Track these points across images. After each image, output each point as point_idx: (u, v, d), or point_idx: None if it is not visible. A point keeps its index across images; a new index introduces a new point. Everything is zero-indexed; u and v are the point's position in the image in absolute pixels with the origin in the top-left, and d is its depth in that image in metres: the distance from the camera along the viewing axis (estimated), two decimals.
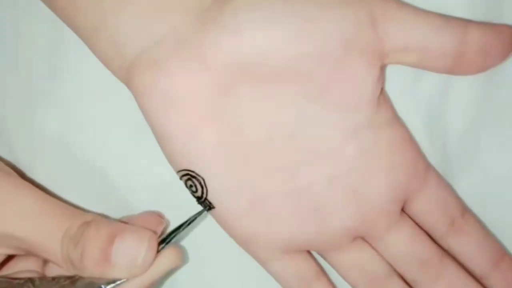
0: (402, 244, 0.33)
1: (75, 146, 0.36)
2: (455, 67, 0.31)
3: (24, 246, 0.31)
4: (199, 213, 0.32)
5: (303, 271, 0.34)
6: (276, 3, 0.30)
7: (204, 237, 0.36)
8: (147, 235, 0.31)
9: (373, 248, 0.33)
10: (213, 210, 0.32)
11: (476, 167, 0.34)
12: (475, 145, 0.34)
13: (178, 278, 0.36)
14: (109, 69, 0.32)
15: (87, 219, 0.31)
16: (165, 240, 0.31)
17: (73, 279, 0.31)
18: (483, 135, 0.34)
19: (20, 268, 0.34)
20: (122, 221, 0.33)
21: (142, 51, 0.31)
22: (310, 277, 0.34)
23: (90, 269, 0.30)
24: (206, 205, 0.32)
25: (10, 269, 0.34)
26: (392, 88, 0.33)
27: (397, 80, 0.33)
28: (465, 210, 0.33)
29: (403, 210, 0.33)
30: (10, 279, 0.32)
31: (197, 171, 0.31)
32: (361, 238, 0.33)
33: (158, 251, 0.31)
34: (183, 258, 0.32)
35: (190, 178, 0.32)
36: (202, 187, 0.32)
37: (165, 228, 0.34)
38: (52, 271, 0.34)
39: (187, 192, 0.32)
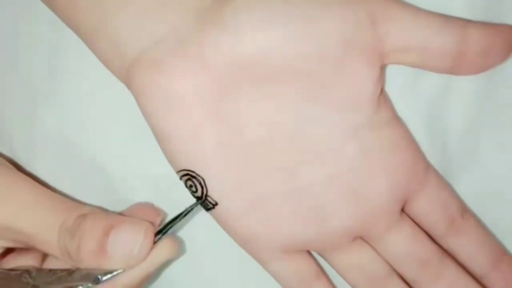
0: (402, 244, 0.33)
1: (75, 146, 0.36)
2: (455, 67, 0.31)
3: (22, 239, 0.31)
4: (196, 204, 0.32)
5: (303, 271, 0.34)
6: (276, 3, 0.30)
7: (204, 237, 0.36)
8: (144, 227, 0.31)
9: (373, 248, 0.33)
10: (213, 210, 0.32)
11: (476, 167, 0.34)
12: (475, 145, 0.34)
13: (178, 278, 0.36)
14: (109, 69, 0.32)
15: (84, 211, 0.32)
16: (161, 231, 0.32)
17: (70, 271, 0.31)
18: (483, 135, 0.34)
19: (18, 264, 0.34)
20: (120, 213, 0.33)
21: (142, 51, 0.31)
22: (310, 277, 0.34)
23: (87, 260, 0.30)
24: (206, 205, 0.32)
25: (9, 265, 0.34)
26: (392, 88, 0.33)
27: (397, 80, 0.33)
28: (465, 210, 0.33)
29: (403, 210, 0.33)
30: (8, 270, 0.33)
31: (197, 171, 0.31)
32: (361, 238, 0.33)
33: (154, 242, 0.31)
34: (179, 249, 0.32)
35: (190, 178, 0.32)
36: (202, 187, 0.32)
37: (162, 220, 0.34)
38: (50, 266, 0.34)
39: (187, 192, 0.32)
